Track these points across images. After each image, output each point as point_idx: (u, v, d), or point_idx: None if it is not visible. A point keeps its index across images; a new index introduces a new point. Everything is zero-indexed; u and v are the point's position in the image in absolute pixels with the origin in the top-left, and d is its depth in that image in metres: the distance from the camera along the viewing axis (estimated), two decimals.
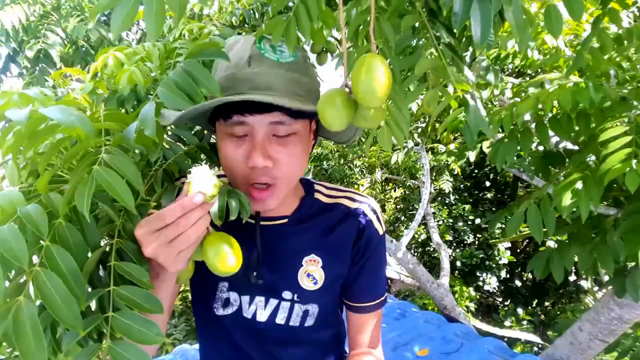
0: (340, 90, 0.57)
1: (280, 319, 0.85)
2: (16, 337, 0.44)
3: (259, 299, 0.84)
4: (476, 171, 6.12)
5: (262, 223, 0.85)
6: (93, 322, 0.53)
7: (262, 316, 0.84)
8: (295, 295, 0.84)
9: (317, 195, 0.90)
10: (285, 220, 0.86)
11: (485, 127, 0.71)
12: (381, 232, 0.89)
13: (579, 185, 1.06)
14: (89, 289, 0.58)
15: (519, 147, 1.25)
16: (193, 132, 0.93)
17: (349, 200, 0.89)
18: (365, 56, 0.51)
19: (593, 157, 1.16)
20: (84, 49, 2.28)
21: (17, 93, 0.58)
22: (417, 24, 0.68)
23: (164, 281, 0.70)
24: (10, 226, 0.47)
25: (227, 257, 0.63)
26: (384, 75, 0.51)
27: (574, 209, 1.06)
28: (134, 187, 0.55)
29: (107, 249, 0.61)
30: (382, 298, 0.92)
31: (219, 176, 0.83)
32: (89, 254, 0.57)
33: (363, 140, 3.64)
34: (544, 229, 1.24)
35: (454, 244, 6.07)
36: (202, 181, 0.59)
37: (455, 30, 0.67)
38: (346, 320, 0.96)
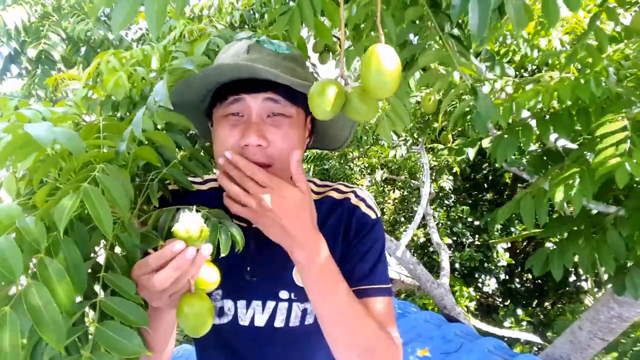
0: (333, 81, 0.57)
1: (279, 322, 0.83)
2: None
3: (256, 303, 0.83)
4: (475, 172, 6.13)
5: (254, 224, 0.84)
6: (76, 332, 0.52)
7: (260, 321, 0.83)
8: (292, 294, 0.83)
9: None
10: None
11: (496, 114, 0.70)
12: (373, 216, 0.87)
13: (575, 179, 1.06)
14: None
15: (519, 143, 1.24)
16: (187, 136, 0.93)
17: (336, 191, 0.89)
18: (374, 46, 0.50)
19: (590, 154, 1.16)
20: (84, 49, 2.29)
21: (15, 113, 0.59)
22: (419, 19, 0.69)
23: (158, 311, 0.70)
24: (7, 237, 0.47)
25: (202, 319, 0.63)
26: (393, 65, 0.50)
27: (566, 203, 1.06)
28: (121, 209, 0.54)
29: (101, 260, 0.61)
30: (387, 285, 0.87)
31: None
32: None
33: (365, 137, 3.64)
34: (539, 229, 1.25)
35: (453, 246, 6.07)
36: (187, 222, 0.59)
37: (454, 22, 0.68)
38: None
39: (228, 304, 0.83)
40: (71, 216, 0.51)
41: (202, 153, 0.88)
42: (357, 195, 0.88)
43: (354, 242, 0.86)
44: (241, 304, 0.83)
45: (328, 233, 0.84)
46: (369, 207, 0.88)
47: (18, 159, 0.56)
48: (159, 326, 0.73)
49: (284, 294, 0.83)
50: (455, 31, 0.70)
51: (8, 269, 0.45)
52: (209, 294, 0.82)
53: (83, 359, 0.51)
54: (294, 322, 0.84)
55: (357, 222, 0.86)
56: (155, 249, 0.63)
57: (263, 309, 0.83)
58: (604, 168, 0.96)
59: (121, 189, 0.55)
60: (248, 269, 0.81)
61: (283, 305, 0.83)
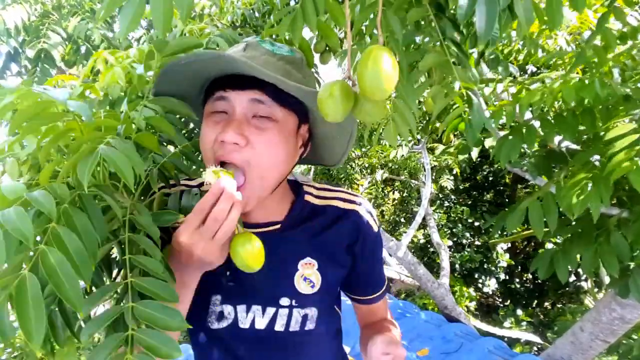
0: (342, 82, 0.56)
1: (279, 326, 0.83)
2: (17, 305, 0.45)
3: (256, 308, 0.82)
4: (475, 173, 6.13)
5: (254, 230, 0.81)
6: (114, 314, 0.53)
7: (261, 324, 0.83)
8: (294, 301, 0.83)
9: (308, 197, 0.88)
10: (278, 227, 0.84)
11: (488, 124, 0.70)
12: (376, 229, 0.90)
13: (589, 185, 1.05)
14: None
15: (524, 144, 1.23)
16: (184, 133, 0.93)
17: (341, 201, 0.88)
18: (372, 48, 0.50)
19: (597, 157, 1.16)
20: (84, 47, 2.28)
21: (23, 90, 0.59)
22: (422, 20, 0.69)
23: (189, 287, 0.71)
24: (16, 208, 0.48)
25: (257, 255, 0.68)
26: (390, 68, 0.49)
27: (585, 208, 1.05)
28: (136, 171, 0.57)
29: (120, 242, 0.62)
30: (385, 287, 0.98)
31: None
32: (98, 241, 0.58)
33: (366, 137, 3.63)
34: (546, 229, 1.24)
35: (453, 247, 6.06)
36: (210, 172, 0.63)
37: (461, 26, 0.67)
38: (354, 309, 1.01)
39: (227, 308, 0.83)
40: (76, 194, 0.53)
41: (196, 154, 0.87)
42: (364, 208, 0.89)
43: (363, 256, 0.89)
44: (241, 308, 0.83)
45: (332, 241, 0.85)
46: (374, 219, 0.90)
47: (31, 127, 0.57)
48: (185, 299, 0.73)
49: (284, 301, 0.83)
50: (454, 35, 0.69)
51: (22, 235, 0.46)
52: (208, 303, 0.83)
53: (130, 334, 0.52)
54: (294, 327, 0.84)
55: (366, 238, 0.87)
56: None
57: (263, 314, 0.83)
58: (619, 172, 0.95)
59: (135, 153, 0.57)
60: (227, 273, 0.81)
61: (283, 312, 0.83)
